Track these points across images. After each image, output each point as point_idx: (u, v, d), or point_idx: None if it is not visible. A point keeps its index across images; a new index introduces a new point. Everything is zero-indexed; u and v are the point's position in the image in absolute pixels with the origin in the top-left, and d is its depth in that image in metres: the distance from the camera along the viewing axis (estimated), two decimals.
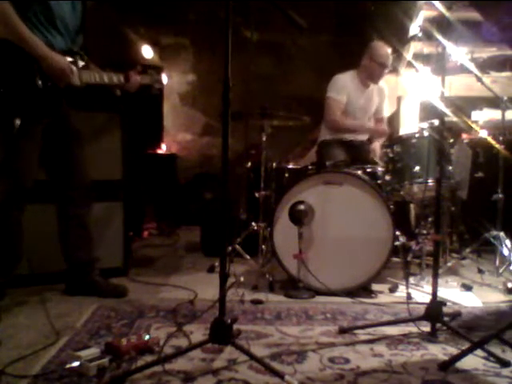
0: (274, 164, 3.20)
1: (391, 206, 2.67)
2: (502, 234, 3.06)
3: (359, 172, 2.81)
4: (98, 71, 2.34)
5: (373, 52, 3.46)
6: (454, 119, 3.66)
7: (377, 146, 3.57)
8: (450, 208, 3.33)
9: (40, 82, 2.11)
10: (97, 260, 2.54)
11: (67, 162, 2.41)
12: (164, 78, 2.62)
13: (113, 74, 2.38)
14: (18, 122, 2.04)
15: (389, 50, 3.48)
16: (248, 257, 3.03)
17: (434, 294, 1.95)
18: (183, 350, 1.71)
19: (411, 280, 2.79)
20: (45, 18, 2.16)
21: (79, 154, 2.45)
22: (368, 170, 2.93)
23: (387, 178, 2.88)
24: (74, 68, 2.22)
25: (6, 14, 2.02)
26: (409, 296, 2.49)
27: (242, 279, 2.64)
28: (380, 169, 2.96)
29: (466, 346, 1.75)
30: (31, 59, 2.08)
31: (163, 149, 5.36)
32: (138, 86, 2.47)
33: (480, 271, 3.06)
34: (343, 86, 3.47)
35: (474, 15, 4.07)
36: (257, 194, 3.04)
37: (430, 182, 2.70)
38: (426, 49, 4.39)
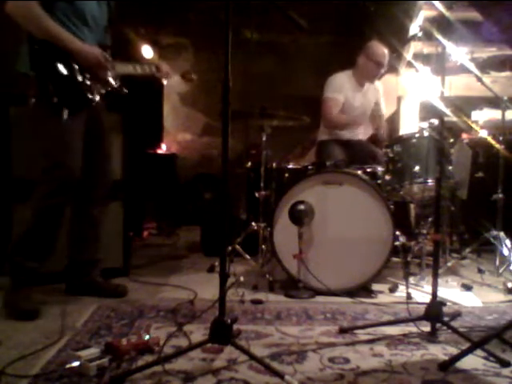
0: (274, 164, 3.20)
1: (391, 206, 2.67)
2: (502, 233, 3.06)
3: (359, 172, 2.81)
4: (131, 62, 2.37)
5: (369, 51, 3.48)
6: (454, 119, 3.66)
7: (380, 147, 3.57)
8: (450, 208, 3.33)
9: (79, 76, 2.15)
10: (100, 261, 2.54)
11: (95, 161, 2.41)
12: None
13: (145, 65, 2.43)
14: (66, 112, 2.08)
15: (385, 50, 3.50)
16: (248, 257, 3.03)
17: (434, 293, 1.95)
18: (183, 350, 1.71)
19: (411, 280, 2.79)
20: (74, 15, 2.19)
21: (108, 153, 2.46)
22: (368, 169, 2.93)
23: (387, 177, 2.88)
24: (109, 58, 2.26)
25: (33, 13, 2.06)
26: (409, 296, 2.49)
27: (241, 279, 2.63)
28: (380, 169, 2.96)
29: (466, 346, 1.75)
30: (67, 55, 2.12)
31: (163, 149, 5.37)
32: (169, 75, 2.53)
33: (480, 271, 3.06)
34: (340, 86, 3.48)
35: (474, 15, 4.07)
36: (257, 194, 3.04)
37: (430, 181, 2.70)
38: (426, 49, 4.39)
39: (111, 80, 2.30)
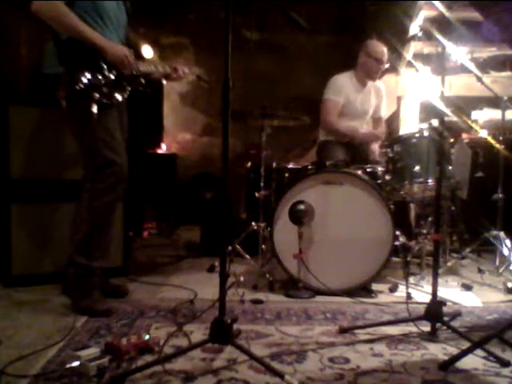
0: (274, 164, 3.20)
1: (391, 206, 2.67)
2: (502, 233, 3.06)
3: (359, 172, 2.81)
4: (151, 61, 2.40)
5: (369, 49, 3.50)
6: (454, 119, 3.66)
7: (376, 146, 3.58)
8: (450, 208, 3.33)
9: (108, 73, 2.19)
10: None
11: None
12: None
13: (164, 64, 2.49)
14: (96, 108, 2.11)
15: (384, 47, 3.52)
16: (248, 257, 3.04)
17: (434, 293, 1.95)
18: (183, 350, 1.71)
19: (411, 280, 2.80)
20: (96, 13, 2.22)
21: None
22: (368, 169, 2.93)
23: (387, 177, 2.88)
24: (133, 56, 2.30)
25: (60, 12, 2.10)
26: (409, 296, 2.49)
27: (241, 279, 2.64)
28: (380, 169, 2.96)
29: (466, 345, 1.75)
30: (95, 52, 2.15)
31: (163, 149, 5.36)
32: (186, 76, 2.57)
33: (480, 271, 3.06)
34: (341, 87, 3.49)
35: (474, 15, 4.07)
36: (257, 194, 3.04)
37: (430, 181, 2.70)
38: (426, 49, 4.39)
39: (136, 78, 2.33)
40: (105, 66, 2.19)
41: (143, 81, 2.35)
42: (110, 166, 2.19)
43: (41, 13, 2.10)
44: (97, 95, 2.13)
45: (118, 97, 2.24)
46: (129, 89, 2.31)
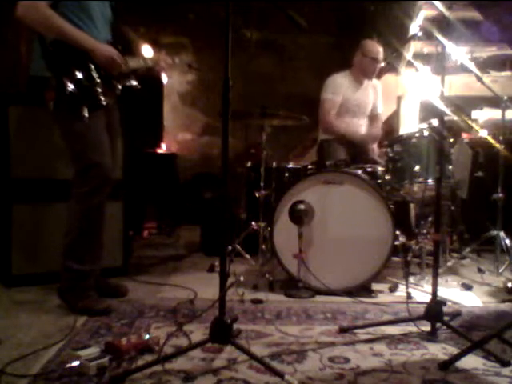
0: (274, 163, 3.20)
1: (391, 206, 2.67)
2: (501, 233, 3.06)
3: (359, 171, 2.81)
4: (138, 55, 2.42)
5: (364, 48, 3.53)
6: (454, 119, 3.66)
7: (374, 145, 3.59)
8: (450, 207, 3.33)
9: (96, 74, 2.16)
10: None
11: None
12: (164, 78, 2.66)
13: (147, 58, 2.50)
14: (86, 111, 2.08)
15: (379, 47, 3.55)
16: (248, 256, 3.03)
17: (434, 293, 1.95)
18: (183, 350, 1.71)
19: (411, 279, 2.80)
20: (83, 13, 2.19)
21: (116, 152, 2.46)
22: (368, 169, 2.93)
23: (387, 177, 2.88)
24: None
25: (44, 14, 2.06)
26: (409, 295, 2.49)
27: (241, 279, 2.64)
28: (380, 168, 2.96)
29: (466, 345, 1.75)
30: (82, 54, 2.13)
31: (163, 148, 5.36)
32: (164, 68, 2.56)
33: (480, 271, 3.06)
34: (339, 86, 3.52)
35: (473, 15, 4.07)
36: (257, 194, 3.04)
37: (430, 181, 2.70)
38: (426, 48, 4.40)
39: (126, 75, 2.32)
40: (93, 67, 2.16)
41: (133, 77, 2.34)
42: (93, 168, 2.17)
43: (24, 17, 2.07)
44: (87, 98, 2.10)
45: (109, 97, 2.21)
46: (119, 87, 2.29)
